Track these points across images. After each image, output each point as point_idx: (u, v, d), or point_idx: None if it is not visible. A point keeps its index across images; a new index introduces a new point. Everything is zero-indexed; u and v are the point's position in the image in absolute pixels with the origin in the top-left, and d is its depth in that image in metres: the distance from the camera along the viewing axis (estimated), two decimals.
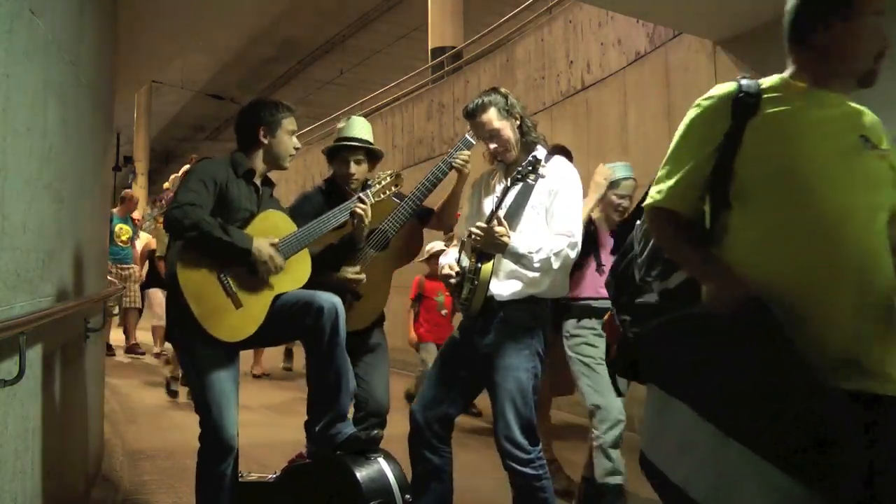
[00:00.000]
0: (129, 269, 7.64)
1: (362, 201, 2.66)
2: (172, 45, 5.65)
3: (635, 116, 5.08)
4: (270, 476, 2.63)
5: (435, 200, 2.97)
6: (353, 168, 2.88)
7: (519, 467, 2.38)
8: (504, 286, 2.46)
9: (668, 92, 4.77)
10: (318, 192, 2.97)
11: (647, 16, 4.67)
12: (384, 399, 2.83)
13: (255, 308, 2.38)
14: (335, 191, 2.93)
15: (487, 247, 2.35)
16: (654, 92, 4.90)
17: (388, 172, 2.77)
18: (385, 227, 2.78)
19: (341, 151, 2.91)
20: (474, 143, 2.72)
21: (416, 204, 2.81)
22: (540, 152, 2.53)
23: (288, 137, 2.54)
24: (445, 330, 5.16)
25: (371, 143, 2.96)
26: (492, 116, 2.51)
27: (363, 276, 2.75)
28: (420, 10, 10.95)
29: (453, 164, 2.74)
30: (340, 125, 2.98)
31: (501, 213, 2.41)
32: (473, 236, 2.36)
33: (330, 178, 3.02)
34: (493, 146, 2.54)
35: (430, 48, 9.85)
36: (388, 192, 2.75)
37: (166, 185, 10.68)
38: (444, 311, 5.39)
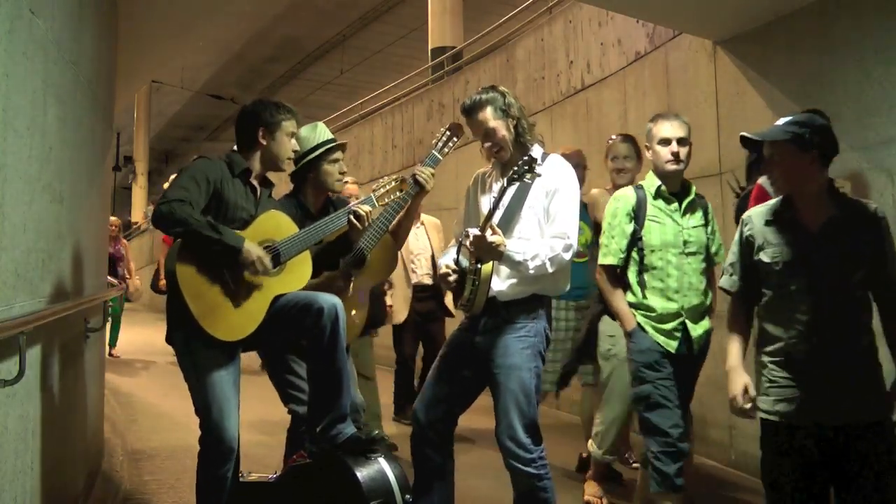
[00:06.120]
0: None
1: (370, 205, 2.63)
2: (172, 45, 5.64)
3: (635, 116, 5.07)
4: (270, 476, 2.63)
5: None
6: (343, 166, 2.87)
7: (521, 467, 2.37)
8: (505, 285, 2.45)
9: (668, 92, 4.76)
10: (293, 205, 2.82)
11: (647, 16, 4.66)
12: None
13: (255, 307, 2.36)
14: (302, 205, 2.83)
15: (483, 255, 2.34)
16: (654, 92, 4.89)
17: (394, 177, 2.75)
18: (361, 244, 2.74)
19: (329, 155, 2.82)
20: (441, 158, 2.74)
21: (389, 220, 2.78)
22: (535, 151, 2.52)
23: (287, 139, 2.52)
24: None
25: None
26: (488, 115, 2.50)
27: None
28: (420, 10, 10.94)
29: (417, 178, 2.70)
30: (304, 134, 2.77)
31: (499, 213, 2.39)
32: (469, 244, 2.35)
33: (294, 193, 2.88)
34: (487, 145, 2.54)
35: (430, 48, 9.84)
36: (392, 196, 2.72)
37: (166, 185, 10.70)
38: None
